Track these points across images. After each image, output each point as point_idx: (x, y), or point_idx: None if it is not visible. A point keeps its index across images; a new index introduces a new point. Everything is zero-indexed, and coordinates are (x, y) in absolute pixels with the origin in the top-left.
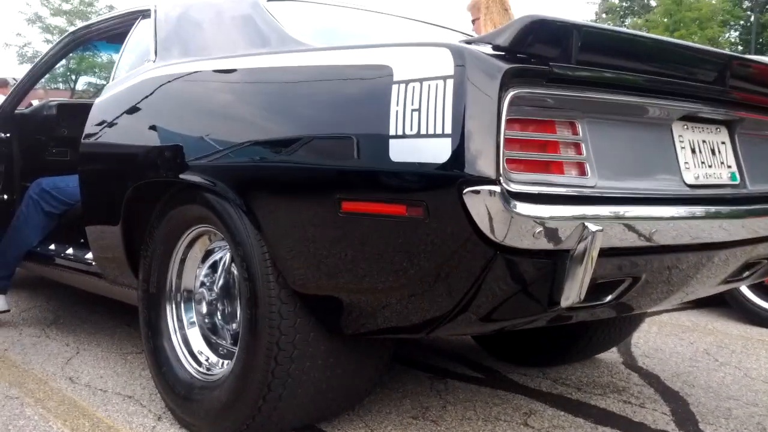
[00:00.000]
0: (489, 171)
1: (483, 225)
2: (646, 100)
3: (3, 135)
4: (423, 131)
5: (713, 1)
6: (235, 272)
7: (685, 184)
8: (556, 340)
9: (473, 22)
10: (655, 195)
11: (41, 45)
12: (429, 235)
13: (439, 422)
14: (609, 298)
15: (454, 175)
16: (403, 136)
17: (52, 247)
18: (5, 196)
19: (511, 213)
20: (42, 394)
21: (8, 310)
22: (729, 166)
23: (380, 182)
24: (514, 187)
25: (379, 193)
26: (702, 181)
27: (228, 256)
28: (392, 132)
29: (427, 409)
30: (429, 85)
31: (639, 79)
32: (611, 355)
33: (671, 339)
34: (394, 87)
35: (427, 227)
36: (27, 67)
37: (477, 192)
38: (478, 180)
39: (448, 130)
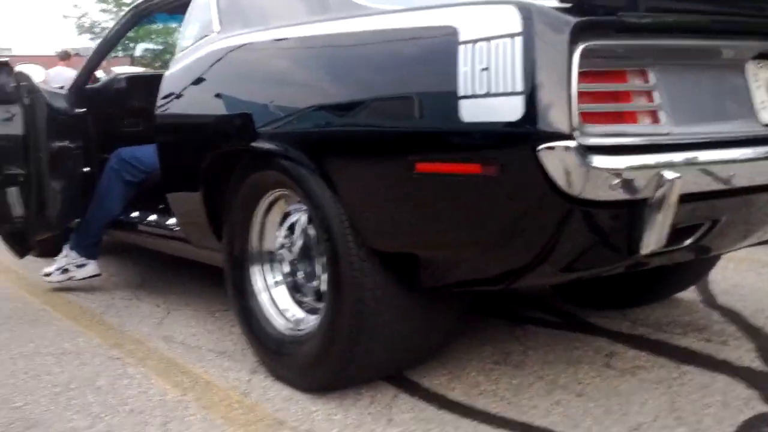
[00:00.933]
0: (563, 126)
1: (559, 180)
2: (717, 42)
3: (79, 110)
4: (493, 90)
5: None
6: (312, 233)
7: (761, 123)
8: (632, 282)
9: None
10: (731, 137)
11: (98, 15)
12: (504, 192)
13: (521, 366)
14: (688, 242)
15: (527, 132)
16: (473, 95)
17: (136, 214)
18: (87, 169)
19: (587, 166)
20: (141, 354)
21: (99, 274)
22: None
23: (452, 142)
24: (589, 141)
25: (452, 153)
26: None
27: (304, 217)
28: (461, 92)
29: (508, 355)
30: (497, 44)
31: (708, 20)
32: (689, 294)
33: (750, 275)
34: (461, 47)
35: (502, 184)
36: (85, 38)
37: (552, 148)
38: (552, 136)
39: (520, 87)
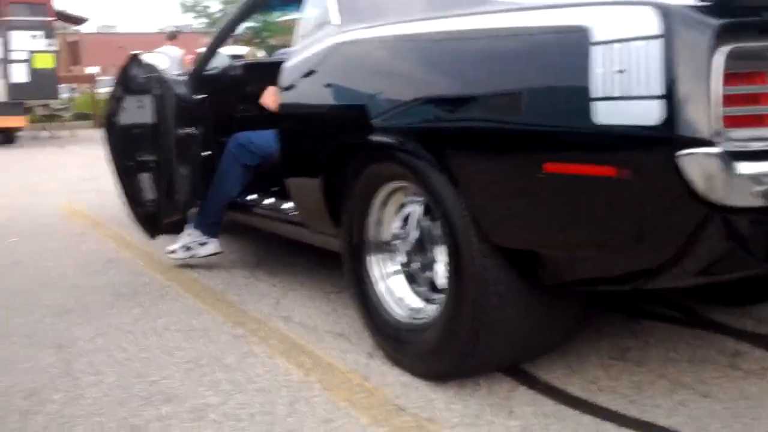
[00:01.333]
0: (704, 132)
1: (699, 186)
2: None
3: (199, 96)
4: (630, 93)
5: None
6: (425, 225)
7: None
8: (757, 278)
9: None
10: None
11: None
12: (639, 195)
13: (641, 363)
14: None
15: (667, 136)
16: (608, 98)
17: (253, 197)
18: (208, 153)
19: (729, 173)
20: (263, 333)
21: (220, 252)
22: None
23: (585, 144)
24: (730, 146)
25: (584, 154)
26: None
27: (419, 209)
28: (595, 94)
29: (627, 350)
30: (634, 46)
31: None
32: None
33: None
34: (595, 48)
35: (637, 187)
36: (189, 16)
37: (693, 154)
38: (693, 141)
39: (659, 91)
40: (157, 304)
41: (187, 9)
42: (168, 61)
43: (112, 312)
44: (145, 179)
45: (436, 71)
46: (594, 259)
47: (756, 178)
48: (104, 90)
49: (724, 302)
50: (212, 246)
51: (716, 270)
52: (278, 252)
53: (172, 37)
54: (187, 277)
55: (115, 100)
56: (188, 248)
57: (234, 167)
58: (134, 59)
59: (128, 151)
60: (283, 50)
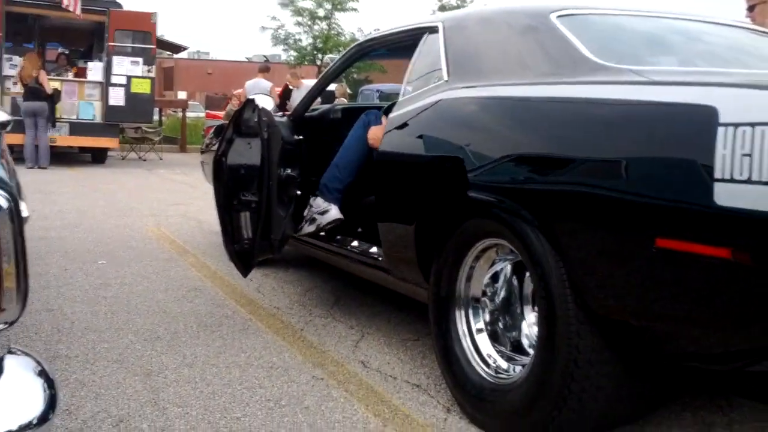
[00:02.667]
0: None
1: None
2: None
3: (298, 137)
4: (755, 178)
5: None
6: (515, 284)
7: None
8: None
9: (750, 8)
10: None
11: (293, 27)
12: (753, 280)
13: None
14: None
15: None
16: (731, 180)
17: (338, 237)
18: (299, 192)
19: None
20: (342, 377)
21: (342, 218)
22: None
23: (702, 224)
24: None
25: (701, 234)
26: None
27: (509, 267)
28: (718, 175)
29: (711, 426)
30: (763, 131)
31: None
32: None
33: None
34: (721, 129)
35: (751, 272)
36: (279, 49)
37: None
38: None
39: None
40: (240, 338)
41: (278, 41)
42: (272, 103)
43: (198, 342)
44: (245, 218)
45: (546, 136)
46: (694, 336)
47: None
48: (193, 115)
49: None
50: (334, 212)
51: None
52: (356, 293)
53: (264, 69)
54: (267, 312)
55: (227, 142)
56: (312, 220)
57: (363, 132)
58: (249, 103)
59: (234, 190)
60: (367, 86)
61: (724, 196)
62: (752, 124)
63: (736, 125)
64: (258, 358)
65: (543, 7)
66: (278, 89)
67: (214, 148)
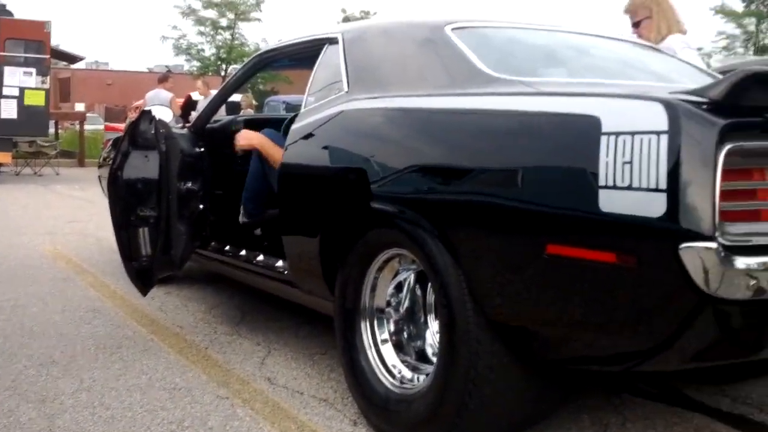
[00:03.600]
0: (706, 227)
1: (697, 278)
2: None
3: (198, 150)
4: (636, 185)
5: None
6: (419, 293)
7: None
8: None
9: (635, 24)
10: None
11: (195, 37)
12: (638, 283)
13: None
14: None
15: (670, 229)
16: (614, 187)
17: (243, 252)
18: (202, 206)
19: (726, 267)
20: (247, 395)
21: None
22: None
23: (589, 230)
24: (729, 240)
25: (588, 239)
26: None
27: (412, 277)
28: (602, 183)
29: (606, 426)
30: (641, 139)
31: None
32: None
33: None
34: (603, 138)
35: (636, 275)
36: (182, 59)
37: (692, 247)
38: (694, 235)
39: (663, 185)
40: (141, 359)
41: (180, 51)
42: (170, 115)
43: (96, 365)
44: (144, 234)
45: (443, 147)
46: (588, 339)
47: (750, 272)
48: (92, 127)
49: (700, 380)
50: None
51: (704, 358)
52: (262, 308)
53: (164, 80)
54: (170, 331)
55: (123, 155)
56: None
57: (258, 164)
58: (145, 115)
59: (131, 205)
60: (273, 98)
61: (608, 202)
62: (632, 133)
63: (618, 134)
64: (160, 380)
65: (439, 20)
66: (180, 100)
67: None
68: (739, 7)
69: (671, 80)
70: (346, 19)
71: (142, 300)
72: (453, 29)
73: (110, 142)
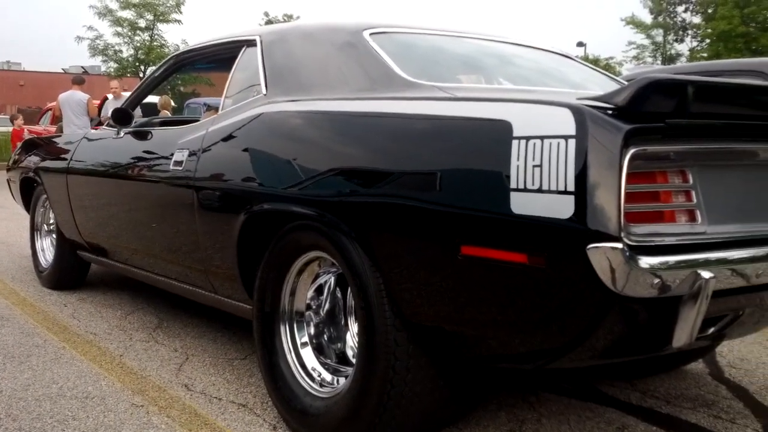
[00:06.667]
0: (612, 228)
1: (605, 277)
2: (753, 144)
3: None
4: (545, 187)
5: None
6: (339, 296)
7: None
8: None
9: None
10: (760, 236)
11: (111, 38)
12: (548, 282)
13: None
14: (710, 332)
15: (578, 230)
16: (525, 189)
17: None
18: None
19: (632, 266)
20: (164, 403)
21: None
22: None
23: (501, 231)
24: (634, 241)
25: (500, 241)
26: None
27: (332, 280)
28: (513, 185)
29: (523, 423)
30: (550, 143)
31: (746, 124)
32: (697, 365)
33: (756, 348)
34: (515, 142)
35: (547, 275)
36: (98, 60)
37: (600, 248)
38: (601, 236)
39: (571, 187)
40: (52, 368)
41: (96, 52)
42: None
43: (4, 375)
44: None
45: (359, 150)
46: (502, 338)
47: (654, 272)
48: (3, 129)
49: (611, 375)
50: None
51: (613, 354)
52: (180, 314)
53: (79, 81)
54: (83, 338)
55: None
56: None
57: None
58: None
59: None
60: (193, 100)
61: (519, 204)
62: (541, 137)
63: (528, 138)
64: (72, 389)
65: (357, 25)
66: (97, 102)
67: (23, 164)
68: (648, 19)
69: (584, 88)
70: (269, 22)
71: (54, 307)
72: (371, 34)
73: (20, 144)
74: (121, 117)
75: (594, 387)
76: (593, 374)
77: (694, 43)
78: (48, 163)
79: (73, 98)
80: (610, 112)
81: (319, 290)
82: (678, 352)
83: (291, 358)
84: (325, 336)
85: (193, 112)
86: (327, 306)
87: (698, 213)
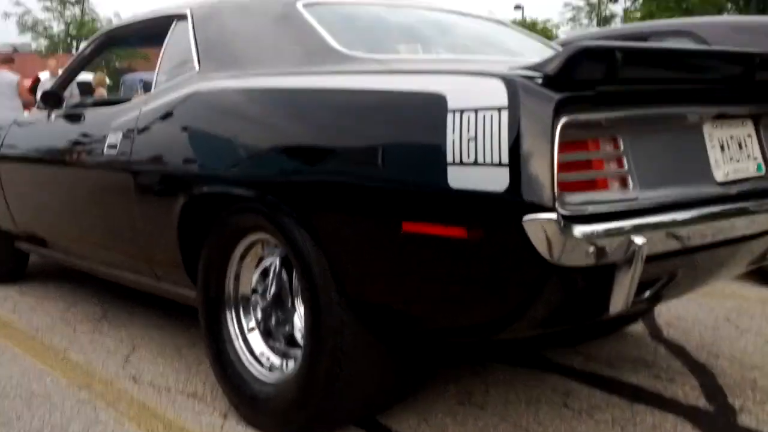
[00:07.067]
0: (546, 198)
1: (541, 248)
2: (681, 108)
3: None
4: (480, 160)
5: None
6: (285, 278)
7: (716, 182)
8: None
9: None
10: (691, 198)
11: (40, 13)
12: (487, 255)
13: (484, 406)
14: (647, 294)
15: (513, 202)
16: (461, 163)
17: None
18: None
19: (567, 236)
20: (111, 397)
21: None
22: (755, 158)
23: (440, 206)
24: (568, 210)
25: (439, 216)
26: (731, 176)
27: (278, 262)
28: (450, 159)
29: (471, 394)
30: (484, 115)
31: (675, 89)
32: (636, 327)
33: (692, 305)
34: (449, 116)
35: (485, 248)
36: (27, 37)
37: (536, 219)
38: (536, 207)
39: (505, 160)
40: None
41: (25, 29)
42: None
43: None
44: None
45: (295, 126)
46: (446, 313)
47: (589, 240)
48: None
49: (555, 342)
50: None
51: (553, 323)
52: (125, 304)
53: (8, 60)
54: (25, 334)
55: None
56: None
57: None
58: None
59: None
60: (129, 75)
61: (457, 178)
62: (475, 110)
63: (462, 111)
64: (15, 387)
65: None
66: (28, 81)
67: None
68: None
69: (521, 55)
70: None
71: None
72: (304, 5)
73: None
74: (52, 99)
75: (539, 354)
76: (538, 342)
77: (628, 3)
78: None
79: (4, 80)
80: (541, 81)
81: (265, 273)
82: (618, 316)
83: (239, 344)
84: (272, 320)
85: (129, 88)
86: (273, 289)
87: (630, 179)
